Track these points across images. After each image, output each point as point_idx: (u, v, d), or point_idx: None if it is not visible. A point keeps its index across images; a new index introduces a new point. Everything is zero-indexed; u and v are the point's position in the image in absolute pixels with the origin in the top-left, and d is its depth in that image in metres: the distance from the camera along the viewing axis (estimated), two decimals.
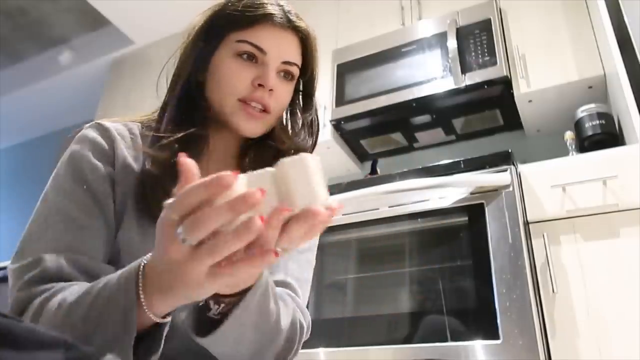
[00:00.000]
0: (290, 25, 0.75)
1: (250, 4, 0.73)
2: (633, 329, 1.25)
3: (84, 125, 0.75)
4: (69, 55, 3.41)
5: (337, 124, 2.24)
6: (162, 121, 0.74)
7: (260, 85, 0.72)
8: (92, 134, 0.72)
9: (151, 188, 0.68)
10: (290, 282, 0.76)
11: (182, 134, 0.71)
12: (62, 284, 0.58)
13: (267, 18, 0.73)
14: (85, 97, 3.54)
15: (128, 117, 0.81)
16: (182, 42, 0.78)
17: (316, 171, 0.45)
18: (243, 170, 0.76)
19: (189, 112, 0.74)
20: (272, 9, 0.74)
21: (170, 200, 0.42)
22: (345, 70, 2.26)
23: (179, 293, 0.46)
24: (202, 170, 0.75)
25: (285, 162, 0.45)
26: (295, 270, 0.79)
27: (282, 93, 0.76)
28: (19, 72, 3.64)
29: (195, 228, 0.41)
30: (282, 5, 0.76)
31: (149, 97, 2.99)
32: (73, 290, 0.55)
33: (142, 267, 0.49)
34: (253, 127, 0.74)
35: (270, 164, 0.79)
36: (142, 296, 0.48)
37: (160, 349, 0.53)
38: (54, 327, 0.52)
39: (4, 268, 2.52)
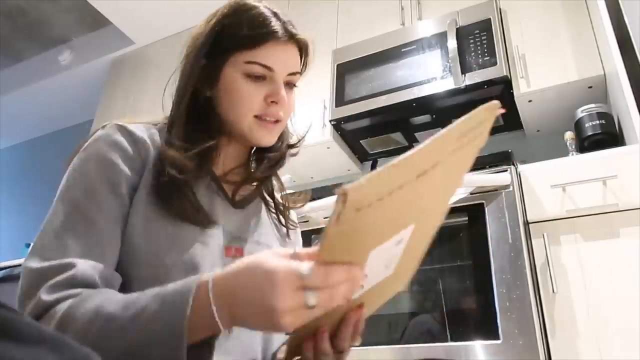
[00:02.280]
0: (293, 39, 0.78)
1: (253, 22, 0.76)
2: (633, 329, 1.26)
3: (105, 125, 0.75)
4: (69, 55, 3.41)
5: (337, 124, 2.24)
6: (172, 136, 0.77)
7: (272, 102, 0.77)
8: (118, 137, 0.73)
9: (175, 193, 0.72)
10: None
11: (199, 148, 0.75)
12: (88, 290, 0.58)
13: (272, 36, 0.76)
14: (85, 97, 3.54)
15: (145, 118, 0.82)
16: (183, 57, 0.81)
17: None
18: (252, 174, 0.85)
19: (198, 127, 0.78)
20: (274, 25, 0.76)
21: (307, 268, 0.47)
22: (345, 70, 2.26)
23: (251, 324, 0.51)
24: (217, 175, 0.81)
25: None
26: None
27: (290, 102, 0.80)
28: (19, 72, 3.64)
29: (330, 301, 0.48)
30: (277, 14, 0.79)
31: (148, 97, 3.00)
32: (107, 299, 0.55)
33: (210, 283, 0.51)
34: (270, 138, 0.80)
35: (276, 168, 0.86)
36: (214, 307, 0.50)
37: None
38: (87, 335, 0.52)
39: (4, 268, 2.52)
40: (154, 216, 0.70)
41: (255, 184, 0.85)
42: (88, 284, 0.60)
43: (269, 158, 0.86)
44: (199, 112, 0.78)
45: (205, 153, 0.77)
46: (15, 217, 3.80)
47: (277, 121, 0.79)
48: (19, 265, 2.48)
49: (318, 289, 0.46)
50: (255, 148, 0.88)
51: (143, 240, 0.68)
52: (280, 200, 0.89)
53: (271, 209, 0.88)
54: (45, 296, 0.57)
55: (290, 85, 0.80)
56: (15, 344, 0.32)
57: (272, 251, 0.51)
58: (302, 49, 0.81)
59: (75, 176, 0.70)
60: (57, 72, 3.43)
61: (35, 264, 0.61)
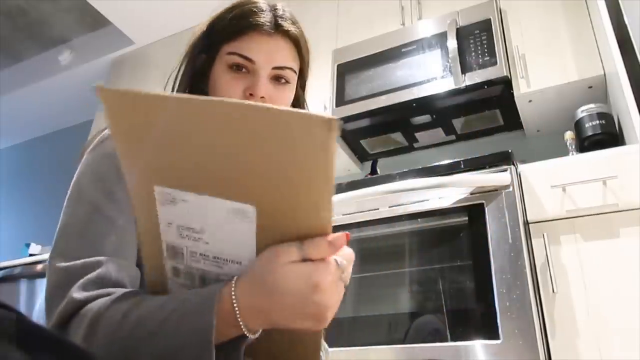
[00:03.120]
0: (279, 30, 0.75)
1: (240, 14, 0.75)
2: (633, 329, 1.26)
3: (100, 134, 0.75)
4: (69, 55, 3.41)
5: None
6: None
7: (250, 94, 0.74)
8: None
9: None
10: None
11: None
12: (118, 291, 0.58)
13: (253, 27, 0.74)
14: (85, 97, 3.54)
15: None
16: (182, 55, 0.81)
17: None
18: None
19: None
20: (259, 16, 0.74)
21: (339, 259, 0.49)
22: (345, 70, 2.26)
23: (279, 320, 0.50)
24: None
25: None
26: None
27: (278, 98, 0.76)
28: (19, 72, 3.64)
29: (348, 273, 0.51)
30: (276, 9, 0.77)
31: None
32: (137, 303, 0.55)
33: (233, 286, 0.50)
34: None
35: None
36: (236, 310, 0.49)
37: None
38: (116, 337, 0.52)
39: (4, 268, 2.52)
40: None
41: None
42: (117, 283, 0.60)
43: None
44: None
45: None
46: (15, 217, 3.80)
47: None
48: (19, 265, 2.48)
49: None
50: None
51: None
52: None
53: None
54: (77, 294, 0.57)
55: (279, 80, 0.76)
56: (15, 344, 0.32)
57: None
58: (295, 43, 0.78)
59: (90, 177, 0.69)
60: (57, 72, 3.43)
61: (62, 262, 0.61)
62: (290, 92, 0.79)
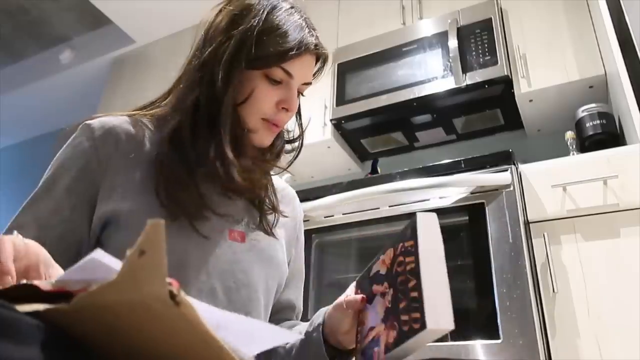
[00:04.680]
0: (319, 52, 0.79)
1: (290, 33, 0.74)
2: (633, 329, 1.25)
3: (79, 124, 0.78)
4: (70, 54, 3.41)
5: (338, 124, 2.24)
6: (189, 129, 0.74)
7: (283, 108, 0.76)
8: (80, 137, 0.77)
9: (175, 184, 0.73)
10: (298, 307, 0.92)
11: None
12: None
13: (306, 50, 0.75)
14: (85, 96, 3.54)
15: (129, 110, 0.84)
16: (204, 42, 0.77)
17: None
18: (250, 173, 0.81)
19: (211, 118, 0.74)
20: (310, 39, 0.76)
21: None
22: (346, 70, 2.26)
23: None
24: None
25: None
26: (299, 292, 0.93)
27: (295, 109, 0.80)
28: (19, 71, 3.64)
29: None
30: (314, 30, 0.78)
31: (149, 96, 3.00)
32: None
33: None
34: (268, 140, 0.80)
35: (271, 163, 0.86)
36: None
37: None
38: None
39: None
40: (135, 191, 0.72)
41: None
42: None
43: (267, 155, 0.85)
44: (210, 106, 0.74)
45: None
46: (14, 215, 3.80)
47: (279, 126, 0.79)
48: None
49: None
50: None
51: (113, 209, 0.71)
52: (267, 200, 0.85)
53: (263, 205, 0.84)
54: None
55: (298, 93, 0.80)
56: (14, 344, 0.32)
57: None
58: (323, 61, 0.82)
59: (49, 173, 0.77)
60: (57, 71, 3.43)
61: None
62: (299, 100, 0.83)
